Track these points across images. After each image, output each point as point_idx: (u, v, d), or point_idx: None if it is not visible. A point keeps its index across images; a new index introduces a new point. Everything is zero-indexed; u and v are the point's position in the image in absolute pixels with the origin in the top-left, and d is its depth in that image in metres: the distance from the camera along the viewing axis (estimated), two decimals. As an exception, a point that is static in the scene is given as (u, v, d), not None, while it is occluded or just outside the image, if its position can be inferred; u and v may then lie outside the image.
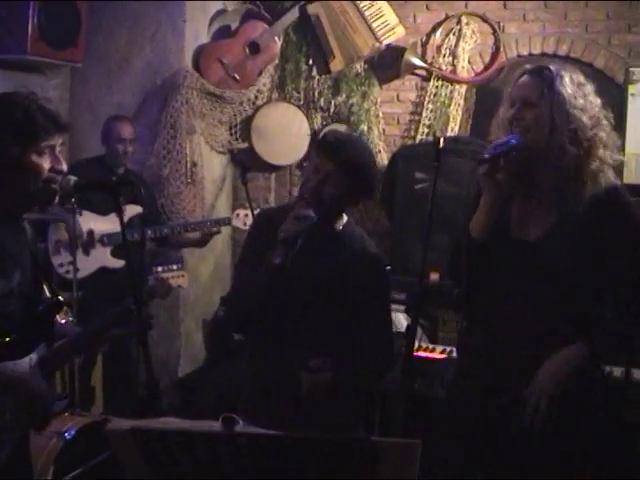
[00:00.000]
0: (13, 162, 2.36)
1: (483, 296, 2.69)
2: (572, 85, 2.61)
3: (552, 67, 2.64)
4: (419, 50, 5.75)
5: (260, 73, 5.91)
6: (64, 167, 2.44)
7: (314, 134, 5.89)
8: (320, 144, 2.86)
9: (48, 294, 2.62)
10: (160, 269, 3.29)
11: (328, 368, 2.75)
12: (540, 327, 2.58)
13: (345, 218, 2.96)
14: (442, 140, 2.48)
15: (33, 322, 2.52)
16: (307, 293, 2.84)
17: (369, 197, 2.96)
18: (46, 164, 2.39)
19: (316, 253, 2.84)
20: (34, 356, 2.48)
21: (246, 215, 4.96)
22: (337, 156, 2.78)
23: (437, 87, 5.67)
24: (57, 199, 2.49)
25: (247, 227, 4.98)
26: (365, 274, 2.89)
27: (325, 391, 2.76)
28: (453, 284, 2.88)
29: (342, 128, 5.81)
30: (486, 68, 5.62)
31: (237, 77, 5.81)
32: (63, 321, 2.94)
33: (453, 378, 2.96)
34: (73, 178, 2.46)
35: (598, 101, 2.66)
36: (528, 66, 2.71)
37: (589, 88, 2.66)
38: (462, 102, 5.63)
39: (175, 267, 3.36)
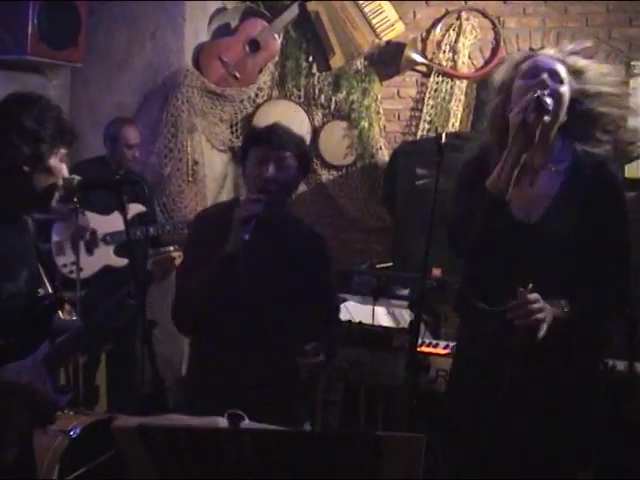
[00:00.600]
0: (42, 163, 2.37)
1: (484, 279, 2.65)
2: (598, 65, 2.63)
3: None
4: (419, 46, 5.75)
5: (260, 71, 5.92)
6: (67, 174, 2.46)
7: (314, 131, 5.90)
8: (269, 137, 2.94)
9: (50, 292, 2.63)
10: (152, 252, 3.29)
11: (320, 350, 2.85)
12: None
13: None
14: (444, 136, 2.47)
15: (35, 320, 2.53)
16: (262, 279, 2.92)
17: (307, 174, 3.18)
18: (64, 170, 2.42)
19: (267, 239, 2.92)
20: (38, 354, 2.49)
21: None
22: (288, 144, 2.93)
23: (437, 83, 5.67)
24: (58, 198, 2.50)
25: None
26: (307, 251, 3.04)
27: (320, 372, 2.91)
28: (456, 253, 2.82)
29: (343, 125, 5.82)
30: (486, 63, 5.62)
31: (237, 75, 5.82)
32: (64, 314, 2.94)
33: (456, 369, 2.92)
34: (77, 177, 2.47)
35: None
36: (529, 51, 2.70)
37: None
38: (463, 98, 5.63)
39: (171, 248, 3.36)
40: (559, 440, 2.59)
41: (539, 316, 2.42)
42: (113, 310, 2.65)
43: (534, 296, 2.42)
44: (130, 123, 5.23)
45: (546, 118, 2.48)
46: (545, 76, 2.53)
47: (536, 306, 2.42)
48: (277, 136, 2.95)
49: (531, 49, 5.44)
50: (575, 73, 2.60)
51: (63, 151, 2.41)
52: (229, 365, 2.91)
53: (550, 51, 2.70)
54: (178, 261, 3.40)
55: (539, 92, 2.45)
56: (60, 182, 2.43)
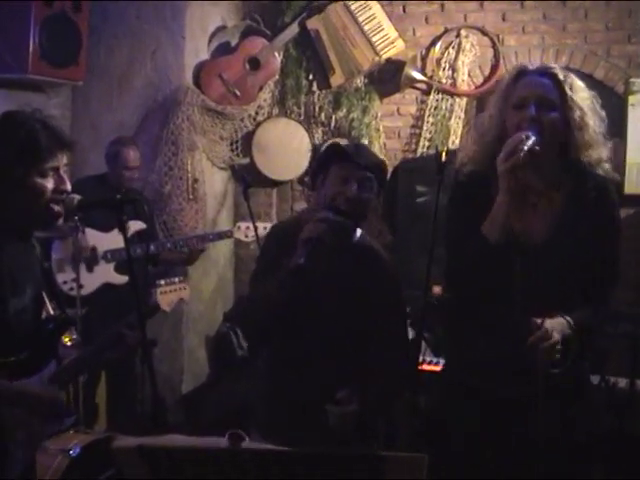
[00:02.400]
0: (16, 183, 2.37)
1: (486, 305, 2.63)
2: (584, 87, 2.60)
3: (557, 67, 2.62)
4: (419, 64, 5.78)
5: (260, 89, 5.93)
6: (68, 187, 2.45)
7: (315, 149, 5.91)
8: (357, 155, 2.83)
9: (52, 311, 2.63)
10: (163, 282, 3.29)
11: (354, 399, 2.72)
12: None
13: (360, 230, 2.97)
14: (444, 153, 2.46)
15: (43, 339, 2.54)
16: (327, 296, 2.84)
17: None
18: (49, 185, 2.40)
19: (335, 258, 2.85)
20: (45, 372, 2.49)
21: (247, 227, 4.98)
22: (374, 165, 2.85)
23: (437, 100, 5.69)
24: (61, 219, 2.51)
25: (249, 239, 5.01)
26: (382, 284, 2.91)
27: (352, 423, 2.73)
28: (451, 294, 2.83)
29: (343, 143, 5.82)
30: (486, 81, 5.64)
31: (238, 93, 5.83)
32: (67, 340, 2.95)
33: (450, 395, 2.84)
34: (77, 197, 2.47)
35: (598, 100, 2.65)
36: (528, 66, 2.63)
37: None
38: (462, 115, 5.65)
39: (177, 280, 3.36)
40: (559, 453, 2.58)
41: (554, 343, 2.44)
42: (111, 341, 2.67)
43: (550, 325, 2.45)
44: (130, 144, 5.22)
45: (537, 149, 2.47)
46: (532, 109, 2.51)
47: (555, 337, 2.44)
48: (364, 156, 2.85)
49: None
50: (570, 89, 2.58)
51: (49, 165, 2.40)
52: (292, 384, 2.88)
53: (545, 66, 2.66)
54: (182, 294, 3.40)
55: (525, 139, 2.45)
56: (48, 198, 2.42)
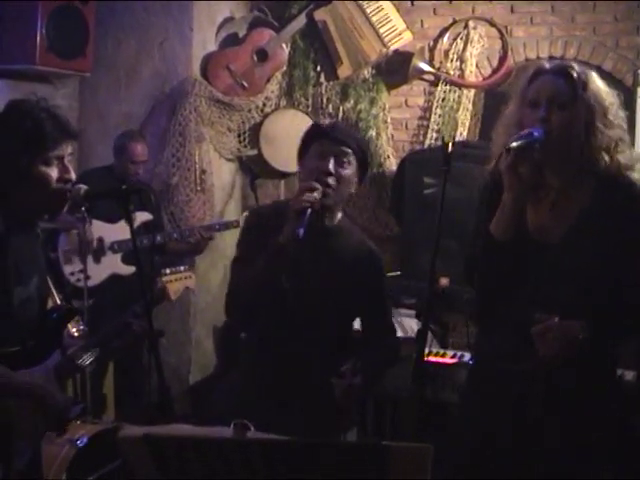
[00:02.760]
0: (21, 172, 2.37)
1: (502, 302, 2.62)
2: (603, 84, 2.57)
3: (575, 65, 2.60)
4: (427, 55, 5.75)
5: (268, 80, 5.92)
6: (73, 176, 2.46)
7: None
8: (332, 132, 2.93)
9: (59, 302, 2.64)
10: (168, 271, 3.30)
11: (358, 372, 2.77)
12: None
13: (340, 213, 3.03)
14: (451, 144, 2.46)
15: (48, 329, 2.55)
16: (311, 277, 2.90)
17: (364, 177, 3.06)
18: (54, 174, 2.41)
19: (316, 244, 2.89)
20: (50, 363, 2.50)
21: None
22: (350, 141, 2.91)
23: (445, 92, 5.67)
24: (67, 208, 2.51)
25: None
26: (363, 266, 2.99)
27: (358, 395, 2.81)
28: (474, 290, 2.83)
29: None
30: (494, 72, 5.62)
31: (245, 84, 5.82)
32: (74, 330, 2.97)
33: (469, 389, 2.87)
34: (84, 187, 2.48)
35: (620, 97, 2.63)
36: (546, 64, 2.62)
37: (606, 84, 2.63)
38: (470, 107, 5.62)
39: (182, 268, 3.36)
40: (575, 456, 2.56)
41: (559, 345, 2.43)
42: (118, 330, 2.68)
43: (552, 323, 2.43)
44: (138, 138, 5.23)
45: (537, 146, 2.47)
46: (542, 109, 2.51)
47: (557, 334, 2.43)
48: (340, 132, 2.94)
49: (539, 58, 5.44)
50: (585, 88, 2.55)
51: (53, 154, 2.40)
52: (275, 368, 2.92)
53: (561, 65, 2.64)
54: (187, 283, 3.40)
55: (513, 139, 2.46)
56: (52, 187, 2.42)
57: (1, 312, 2.40)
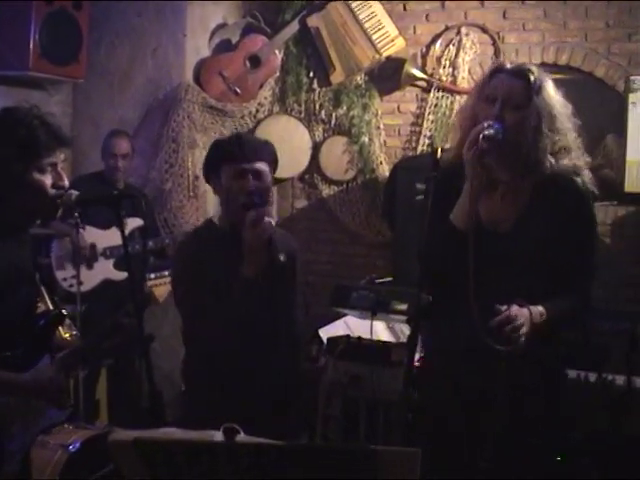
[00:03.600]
0: (15, 179, 2.38)
1: (454, 291, 2.67)
2: (556, 92, 2.67)
3: (534, 68, 2.69)
4: (419, 61, 5.78)
5: (261, 86, 5.94)
6: (66, 183, 2.46)
7: (315, 146, 5.93)
8: (242, 151, 2.90)
9: (50, 307, 2.65)
10: (153, 275, 3.31)
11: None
12: None
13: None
14: (440, 150, 2.49)
15: (37, 334, 2.55)
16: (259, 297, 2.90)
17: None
18: (48, 181, 2.42)
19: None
20: (40, 366, 2.50)
21: None
22: (262, 155, 2.92)
23: (438, 98, 5.70)
24: (59, 214, 2.52)
25: None
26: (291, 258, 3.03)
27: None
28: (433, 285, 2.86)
29: (343, 140, 5.84)
30: (486, 79, 5.63)
31: (238, 91, 5.84)
32: (67, 335, 2.97)
33: (429, 382, 2.85)
34: (75, 192, 2.48)
35: (570, 106, 2.72)
36: (507, 65, 2.72)
37: (560, 93, 2.72)
38: (463, 113, 5.64)
39: (167, 272, 3.36)
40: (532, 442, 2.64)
41: (521, 331, 2.51)
42: (109, 330, 2.68)
43: (516, 311, 2.51)
44: (119, 134, 5.26)
45: (500, 138, 2.56)
46: (497, 105, 2.60)
47: (519, 322, 2.50)
48: (249, 149, 2.91)
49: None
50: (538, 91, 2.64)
51: (47, 161, 2.41)
52: (229, 378, 2.92)
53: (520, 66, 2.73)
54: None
55: (485, 128, 2.54)
56: (48, 194, 2.43)
57: None
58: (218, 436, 1.71)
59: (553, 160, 2.64)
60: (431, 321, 2.80)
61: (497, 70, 2.69)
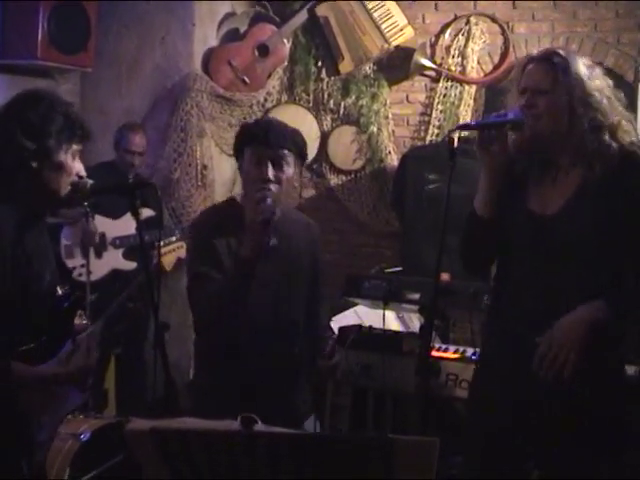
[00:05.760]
0: (48, 155, 2.36)
1: (504, 276, 2.70)
2: (585, 68, 2.63)
3: (561, 51, 2.67)
4: (428, 51, 5.75)
5: (269, 75, 5.92)
6: (84, 172, 2.46)
7: (323, 136, 5.91)
8: (265, 136, 2.86)
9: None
10: (161, 243, 3.28)
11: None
12: (562, 303, 2.54)
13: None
14: (456, 140, 2.47)
15: (59, 320, 2.55)
16: (272, 286, 2.92)
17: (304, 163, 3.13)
18: (75, 166, 2.42)
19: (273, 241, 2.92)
20: (62, 354, 2.50)
21: None
22: (286, 142, 2.87)
23: (446, 88, 5.68)
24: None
25: None
26: (308, 244, 3.06)
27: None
28: (467, 272, 2.89)
29: (352, 130, 5.82)
30: (495, 68, 5.62)
31: (246, 80, 5.82)
32: (79, 322, 2.96)
33: (478, 370, 2.90)
34: (89, 181, 2.48)
35: (610, 82, 2.68)
36: (534, 53, 2.74)
37: (598, 70, 2.68)
38: (472, 103, 5.63)
39: (174, 238, 3.33)
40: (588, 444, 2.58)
41: (562, 358, 2.47)
42: (117, 314, 2.68)
43: (550, 342, 2.48)
44: (136, 129, 5.24)
45: (508, 126, 2.60)
46: (527, 96, 2.62)
47: (562, 358, 2.47)
48: (274, 134, 2.86)
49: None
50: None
51: (75, 147, 2.41)
52: (240, 365, 2.90)
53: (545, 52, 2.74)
54: (180, 253, 3.36)
55: (500, 112, 2.62)
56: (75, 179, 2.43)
57: (18, 313, 2.39)
58: (235, 425, 1.70)
59: (607, 137, 2.57)
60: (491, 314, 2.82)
61: (527, 62, 2.70)
